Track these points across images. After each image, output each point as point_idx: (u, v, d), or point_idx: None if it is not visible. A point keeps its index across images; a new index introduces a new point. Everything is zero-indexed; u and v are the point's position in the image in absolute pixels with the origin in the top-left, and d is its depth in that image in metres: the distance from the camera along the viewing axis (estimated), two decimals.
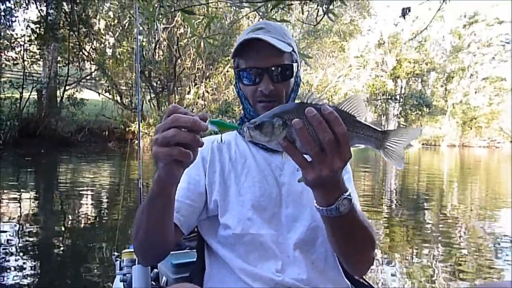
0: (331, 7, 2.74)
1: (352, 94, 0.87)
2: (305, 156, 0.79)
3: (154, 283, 1.37)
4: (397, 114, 39.21)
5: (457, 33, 40.04)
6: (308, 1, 2.86)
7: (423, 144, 38.41)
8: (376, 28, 31.21)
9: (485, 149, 38.66)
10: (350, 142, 0.78)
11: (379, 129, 0.83)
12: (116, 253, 1.55)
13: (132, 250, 1.41)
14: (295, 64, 1.16)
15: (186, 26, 15.78)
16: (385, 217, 6.73)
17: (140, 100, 2.75)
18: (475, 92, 41.05)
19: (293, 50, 1.15)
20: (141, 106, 18.14)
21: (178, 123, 0.75)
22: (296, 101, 1.05)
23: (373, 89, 33.47)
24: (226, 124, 0.82)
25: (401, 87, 38.68)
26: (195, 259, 1.30)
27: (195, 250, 1.31)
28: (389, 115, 38.87)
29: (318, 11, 2.70)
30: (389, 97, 36.00)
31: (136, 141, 17.62)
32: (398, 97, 37.73)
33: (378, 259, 4.19)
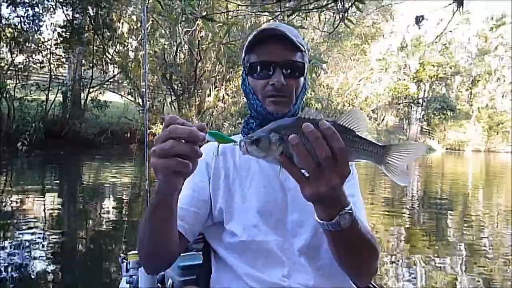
0: (347, 13, 2.74)
1: (352, 109, 0.87)
2: (303, 171, 0.78)
3: (160, 285, 1.38)
4: (420, 118, 38.49)
5: (484, 36, 39.09)
6: (324, 10, 2.86)
7: (447, 149, 37.61)
8: (398, 30, 30.78)
9: None
10: (349, 157, 0.77)
11: (380, 144, 0.81)
12: (122, 255, 1.56)
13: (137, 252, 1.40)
14: (306, 65, 1.16)
15: (207, 30, 15.90)
16: (406, 222, 6.62)
17: (146, 103, 2.80)
18: (502, 96, 39.91)
19: (304, 51, 1.15)
20: (162, 108, 18.38)
21: (175, 134, 0.75)
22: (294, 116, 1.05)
23: (395, 92, 32.96)
24: (224, 137, 0.81)
25: (424, 91, 37.96)
26: (201, 262, 1.30)
27: (201, 253, 1.31)
28: (412, 119, 38.18)
29: (335, 18, 2.70)
30: (412, 101, 35.38)
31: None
32: (420, 100, 37.05)
33: (397, 261, 4.13)
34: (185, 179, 0.83)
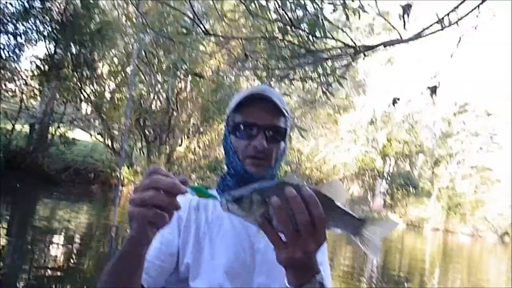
0: (330, 87, 2.91)
1: (333, 180, 0.89)
2: (280, 235, 0.79)
3: None
4: (384, 192, 39.39)
5: (447, 120, 41.46)
6: (308, 80, 3.03)
7: (407, 224, 38.23)
8: (369, 105, 32.28)
9: (469, 237, 38.52)
10: (327, 225, 0.79)
11: (357, 216, 0.83)
12: None
13: None
14: (288, 130, 1.20)
15: (194, 86, 16.30)
16: None
17: (125, 145, 2.78)
18: (462, 179, 41.70)
19: (288, 117, 1.19)
20: (130, 153, 18.14)
21: (157, 185, 0.75)
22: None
23: (362, 164, 33.91)
24: (205, 192, 0.82)
25: (390, 165, 39.21)
26: None
27: None
28: (376, 191, 39.00)
29: (317, 88, 2.84)
30: (377, 174, 36.41)
31: (121, 188, 17.41)
32: (386, 175, 38.15)
33: None
34: (158, 230, 0.82)
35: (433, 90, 2.71)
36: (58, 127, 16.78)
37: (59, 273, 5.03)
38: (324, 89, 3.13)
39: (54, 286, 4.58)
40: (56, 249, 6.53)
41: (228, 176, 1.20)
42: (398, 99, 3.00)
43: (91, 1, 15.76)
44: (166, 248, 1.10)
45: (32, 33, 15.64)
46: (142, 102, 18.43)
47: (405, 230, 33.35)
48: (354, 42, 2.28)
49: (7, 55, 15.20)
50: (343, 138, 30.21)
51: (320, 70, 2.81)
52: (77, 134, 18.07)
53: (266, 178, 1.14)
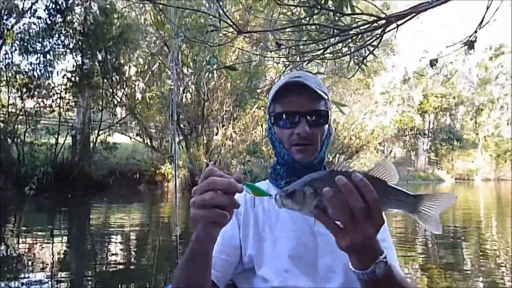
0: (365, 60, 2.84)
1: (381, 160, 0.88)
2: (337, 223, 0.79)
3: None
4: (427, 149, 38.41)
5: (484, 65, 39.57)
6: (341, 57, 2.97)
7: (456, 179, 37.23)
8: (400, 64, 31.26)
9: None
10: (383, 207, 0.78)
11: (412, 194, 0.82)
12: None
13: None
14: (329, 112, 1.20)
15: (230, 79, 16.37)
16: (420, 255, 6.49)
17: (175, 145, 2.84)
18: (507, 124, 39.89)
19: (327, 99, 1.19)
20: (170, 149, 18.54)
21: (215, 186, 0.78)
22: (327, 168, 1.06)
23: (401, 124, 33.08)
24: (259, 190, 0.85)
25: (429, 122, 38.09)
26: None
27: None
28: (419, 150, 38.10)
29: (349, 63, 2.79)
30: (418, 132, 35.44)
31: (166, 183, 17.90)
32: (427, 131, 37.09)
33: None
34: (221, 229, 0.85)
35: (471, 45, 2.56)
36: (98, 134, 17.36)
37: (122, 272, 5.27)
38: (357, 62, 3.05)
39: (120, 285, 4.80)
40: (116, 249, 6.82)
41: (278, 165, 1.23)
42: (436, 60, 2.86)
43: (107, 6, 15.99)
44: (229, 242, 1.15)
45: (58, 48, 16.13)
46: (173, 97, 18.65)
47: (454, 184, 32.54)
48: (384, 13, 2.20)
49: (40, 73, 15.77)
50: (377, 102, 29.47)
51: (351, 44, 2.74)
52: (117, 138, 18.62)
53: (314, 163, 1.16)
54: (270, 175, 1.26)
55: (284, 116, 1.16)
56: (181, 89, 18.70)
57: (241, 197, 1.13)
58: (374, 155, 28.94)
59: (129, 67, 19.59)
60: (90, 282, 4.96)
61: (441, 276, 5.36)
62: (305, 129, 1.13)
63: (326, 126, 1.19)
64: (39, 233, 8.03)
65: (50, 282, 4.71)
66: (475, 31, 2.31)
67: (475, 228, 9.94)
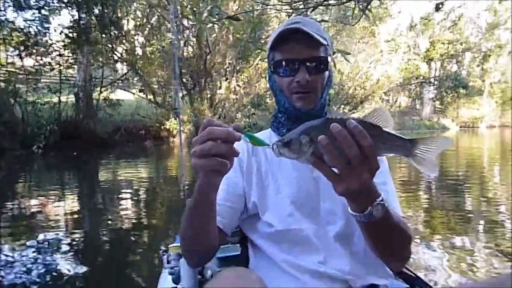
0: (369, 6, 2.64)
1: (376, 107, 0.90)
2: (334, 169, 0.81)
3: (200, 276, 1.46)
4: (433, 98, 38.07)
5: (493, 9, 38.31)
6: (345, 3, 2.79)
7: (461, 127, 37.20)
8: (406, 10, 30.24)
9: None
10: (378, 152, 0.79)
11: (407, 138, 0.83)
12: (163, 248, 1.62)
13: (178, 244, 1.48)
14: (329, 58, 1.18)
15: (233, 29, 15.96)
16: (424, 201, 6.58)
17: (178, 99, 2.72)
18: None
19: (327, 45, 1.16)
20: (174, 104, 18.37)
21: (213, 135, 0.81)
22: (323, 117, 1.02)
23: (406, 73, 32.59)
24: (257, 139, 0.86)
25: (436, 70, 37.47)
26: (239, 253, 1.39)
27: (238, 245, 1.38)
28: (424, 99, 37.79)
29: (354, 9, 2.62)
30: (423, 80, 34.97)
31: (172, 139, 17.91)
32: (432, 80, 36.61)
33: (421, 245, 4.10)
34: (223, 177, 0.88)
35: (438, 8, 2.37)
36: (101, 91, 17.17)
37: (134, 227, 5.31)
38: (362, 8, 2.87)
39: (133, 238, 4.84)
40: (126, 205, 6.88)
41: (279, 113, 1.25)
42: (442, 3, 2.68)
43: None
44: (233, 190, 1.18)
45: (53, 2, 15.57)
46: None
47: (459, 132, 32.55)
48: None
49: (36, 30, 15.34)
50: (382, 50, 28.83)
51: None
52: (120, 94, 18.44)
53: (315, 110, 1.17)
54: (272, 124, 1.28)
55: (283, 64, 1.16)
56: (182, 42, 18.25)
57: (243, 146, 1.20)
58: (379, 105, 28.72)
59: (128, 21, 19.02)
60: (103, 238, 4.99)
61: (443, 218, 5.44)
62: (305, 76, 1.13)
63: (327, 72, 1.18)
64: (50, 191, 8.08)
65: (64, 239, 4.74)
66: None
67: (477, 174, 9.99)
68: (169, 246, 1.56)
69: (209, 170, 0.83)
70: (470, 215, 5.71)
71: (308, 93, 1.15)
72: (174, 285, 1.44)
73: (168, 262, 1.51)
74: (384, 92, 29.94)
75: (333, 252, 1.12)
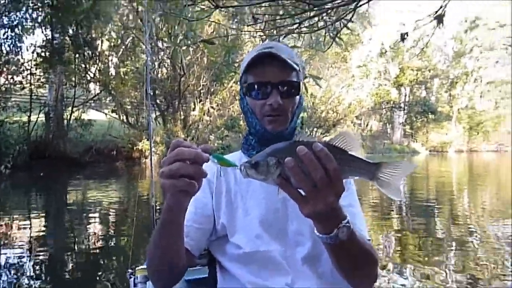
0: (339, 34, 2.84)
1: (342, 130, 0.92)
2: (300, 191, 0.82)
3: None
4: (403, 122, 39.06)
5: (459, 38, 40.00)
6: (316, 31, 2.98)
7: (430, 151, 38.19)
8: (377, 37, 31.28)
9: (494, 153, 38.33)
10: (343, 175, 0.81)
11: (371, 162, 0.85)
12: (130, 270, 1.61)
13: (145, 267, 1.46)
14: (301, 83, 1.21)
15: (208, 52, 16.08)
16: (395, 225, 6.70)
17: (150, 119, 2.83)
18: (481, 97, 40.78)
19: (299, 70, 1.19)
20: (147, 125, 18.28)
21: (182, 156, 0.81)
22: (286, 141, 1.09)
23: (377, 98, 33.41)
24: (226, 160, 0.86)
25: (405, 95, 38.56)
26: (206, 275, 1.36)
27: (206, 267, 1.36)
28: (395, 123, 38.70)
29: (325, 37, 2.80)
30: (394, 105, 35.91)
31: (144, 160, 17.75)
32: (402, 105, 37.63)
33: (390, 269, 4.17)
34: (191, 197, 0.89)
35: (440, 19, 2.60)
36: (72, 111, 16.95)
37: (101, 249, 5.28)
38: (332, 36, 3.07)
39: (100, 261, 4.82)
40: (95, 226, 6.80)
41: (250, 135, 1.25)
42: (407, 33, 2.91)
43: None
44: (202, 211, 1.17)
45: (26, 22, 15.46)
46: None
47: (428, 156, 33.39)
48: None
49: (8, 49, 15.15)
50: (354, 75, 29.60)
51: (327, 18, 2.74)
52: (92, 115, 18.24)
53: (285, 133, 1.18)
54: (242, 145, 1.28)
55: (256, 87, 1.17)
56: (156, 64, 18.34)
57: (212, 167, 1.17)
58: (351, 128, 29.29)
59: (102, 42, 19.00)
60: (69, 260, 4.95)
61: (413, 241, 5.57)
62: (277, 100, 1.14)
63: (298, 97, 1.20)
64: (16, 211, 7.92)
65: (29, 260, 4.68)
66: (441, 6, 2.35)
67: (447, 197, 10.28)
68: (136, 269, 1.55)
69: (177, 190, 0.84)
70: (439, 236, 5.87)
71: (280, 116, 1.16)
72: None
73: (135, 285, 1.49)
74: (355, 116, 30.53)
75: (301, 273, 1.11)
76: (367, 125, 35.61)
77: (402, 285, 3.79)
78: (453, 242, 5.47)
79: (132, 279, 1.53)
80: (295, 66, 1.16)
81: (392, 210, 8.08)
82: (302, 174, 0.78)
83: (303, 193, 0.82)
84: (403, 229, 6.39)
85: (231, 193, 1.21)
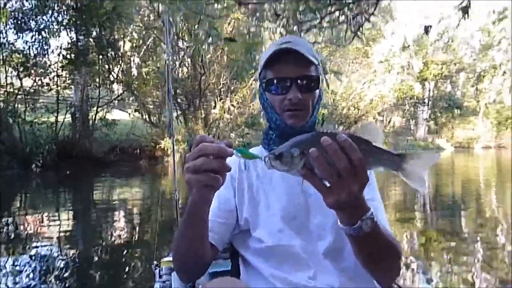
0: (360, 28, 2.82)
1: (366, 121, 0.92)
2: (324, 181, 0.83)
3: None
4: (427, 118, 38.26)
5: (486, 30, 38.81)
6: (337, 24, 2.97)
7: (455, 147, 37.32)
8: (399, 31, 30.72)
9: None
10: (368, 166, 0.82)
11: (395, 153, 0.86)
12: (155, 262, 1.66)
13: (170, 259, 1.49)
14: (320, 77, 1.23)
15: (228, 50, 16.19)
16: (419, 223, 6.60)
17: (171, 119, 2.87)
18: (509, 91, 39.49)
19: (318, 64, 1.21)
20: (169, 124, 18.49)
21: (206, 151, 0.84)
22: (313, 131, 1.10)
23: (400, 93, 32.82)
24: (249, 154, 0.88)
25: (430, 90, 37.77)
26: (229, 268, 1.39)
27: (229, 260, 1.39)
28: (418, 119, 37.96)
29: (346, 31, 2.79)
30: (417, 101, 35.22)
31: (166, 158, 17.97)
32: (426, 100, 36.86)
33: (414, 267, 4.11)
34: (215, 192, 0.92)
35: (465, 11, 2.54)
36: (97, 111, 17.30)
37: (127, 245, 5.38)
38: (354, 31, 3.05)
39: (126, 254, 4.91)
40: (120, 223, 6.95)
41: (270, 130, 1.26)
42: (430, 26, 2.86)
43: None
44: (225, 206, 1.20)
45: (52, 25, 15.85)
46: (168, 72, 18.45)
47: (454, 152, 32.64)
48: None
49: (37, 51, 15.60)
50: (376, 71, 29.16)
51: (348, 13, 2.72)
52: (116, 114, 18.57)
53: (305, 128, 1.19)
54: (262, 141, 1.30)
55: (275, 82, 1.19)
56: (177, 63, 18.51)
57: (235, 163, 1.22)
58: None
59: (124, 42, 19.31)
60: (96, 255, 5.07)
61: (438, 239, 5.47)
62: (297, 95, 1.16)
63: (317, 91, 1.21)
64: (46, 209, 8.16)
65: (58, 256, 4.81)
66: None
67: (474, 194, 10.03)
68: (161, 260, 1.59)
69: (202, 185, 0.86)
70: (465, 234, 5.72)
71: (300, 111, 1.18)
72: None
73: (160, 276, 1.52)
74: (378, 112, 30.11)
75: (322, 268, 1.12)
76: (389, 122, 35.05)
77: (427, 284, 3.73)
78: (480, 240, 5.34)
79: (157, 270, 1.57)
80: (313, 60, 1.17)
81: (416, 207, 7.95)
82: (327, 164, 0.79)
83: (327, 184, 0.83)
84: (427, 227, 6.28)
85: (253, 188, 1.23)
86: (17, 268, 4.33)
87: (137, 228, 6.50)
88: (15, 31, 15.07)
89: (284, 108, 1.18)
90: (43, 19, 15.46)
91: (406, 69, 35.13)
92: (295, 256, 1.13)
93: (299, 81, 1.16)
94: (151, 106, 19.71)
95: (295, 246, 1.14)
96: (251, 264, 1.19)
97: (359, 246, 0.96)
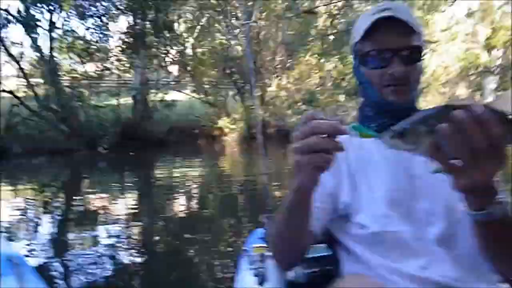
0: None
1: (501, 93, 0.79)
2: (454, 161, 0.73)
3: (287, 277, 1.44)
4: (495, 88, 35.88)
5: None
6: None
7: None
8: None
9: None
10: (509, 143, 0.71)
11: None
12: (245, 248, 1.61)
13: (262, 245, 1.52)
14: (423, 47, 1.11)
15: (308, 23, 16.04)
16: None
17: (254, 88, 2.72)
18: None
19: (420, 32, 1.09)
20: (225, 103, 18.62)
21: (319, 130, 0.76)
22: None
23: (465, 63, 30.89)
24: (366, 131, 0.80)
25: (498, 58, 35.23)
26: (325, 254, 1.33)
27: (325, 245, 1.31)
28: (486, 90, 35.68)
29: None
30: (484, 70, 33.01)
31: (224, 137, 18.23)
32: (494, 69, 34.47)
33: None
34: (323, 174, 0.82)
35: None
36: (156, 93, 17.81)
37: (191, 222, 5.48)
38: None
39: (189, 235, 4.99)
40: (183, 199, 7.12)
41: (366, 107, 1.17)
42: None
43: None
44: (323, 189, 1.06)
45: (111, 10, 16.38)
46: (224, 51, 18.54)
47: None
48: None
49: (98, 37, 16.26)
50: (438, 40, 27.53)
51: None
52: (174, 95, 19.01)
53: (407, 104, 1.09)
54: (357, 117, 1.20)
55: (374, 55, 1.08)
56: (232, 42, 18.51)
57: None
58: (436, 98, 27.51)
59: (179, 24, 19.56)
60: (161, 232, 5.20)
61: None
62: (400, 69, 1.05)
63: (420, 63, 1.10)
64: (113, 188, 8.56)
65: (126, 231, 4.98)
66: None
67: None
68: (252, 247, 1.56)
69: (313, 166, 0.79)
70: None
71: (402, 86, 1.07)
72: (259, 287, 1.40)
73: (252, 263, 1.48)
74: (441, 84, 28.63)
75: (436, 256, 1.02)
76: (454, 94, 33.21)
77: None
78: None
79: (249, 257, 1.52)
80: (416, 28, 1.06)
81: None
82: (459, 141, 0.68)
83: (457, 163, 0.72)
84: None
85: (352, 170, 1.12)
86: (96, 239, 4.53)
87: (198, 206, 6.61)
88: (77, 18, 15.74)
89: (384, 83, 1.08)
90: (102, 5, 16.00)
91: (471, 37, 32.93)
92: (404, 244, 1.03)
93: (401, 53, 1.05)
94: (208, 86, 19.94)
95: (403, 232, 1.03)
96: (353, 251, 1.10)
97: (487, 234, 0.86)
